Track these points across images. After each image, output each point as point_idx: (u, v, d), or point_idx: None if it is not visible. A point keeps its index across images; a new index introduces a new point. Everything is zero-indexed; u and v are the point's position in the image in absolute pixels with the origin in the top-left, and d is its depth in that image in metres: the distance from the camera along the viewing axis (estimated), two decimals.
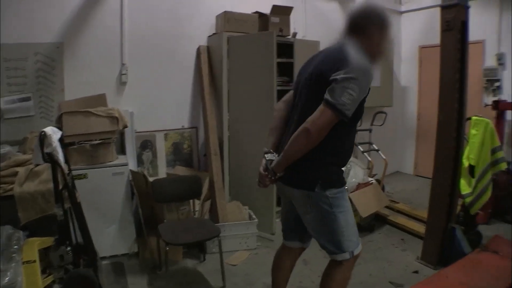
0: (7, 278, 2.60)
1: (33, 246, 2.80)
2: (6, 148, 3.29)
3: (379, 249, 3.66)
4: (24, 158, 3.27)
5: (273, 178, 1.93)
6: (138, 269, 3.36)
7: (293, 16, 4.51)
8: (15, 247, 2.80)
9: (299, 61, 4.13)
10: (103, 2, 3.82)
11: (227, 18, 4.00)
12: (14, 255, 2.75)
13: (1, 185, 3.06)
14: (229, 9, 4.08)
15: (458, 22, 3.00)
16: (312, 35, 4.88)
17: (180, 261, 3.46)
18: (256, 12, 4.28)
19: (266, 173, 1.94)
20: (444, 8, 3.08)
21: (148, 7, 4.02)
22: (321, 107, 1.73)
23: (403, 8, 6.23)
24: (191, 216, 3.50)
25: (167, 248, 2.92)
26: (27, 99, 3.64)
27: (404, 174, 6.55)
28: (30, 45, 3.61)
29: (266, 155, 1.96)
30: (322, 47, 4.35)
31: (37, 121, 3.62)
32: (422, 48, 6.07)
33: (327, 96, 1.72)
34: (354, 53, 1.76)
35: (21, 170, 3.14)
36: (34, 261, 2.72)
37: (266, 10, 4.28)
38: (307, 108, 1.82)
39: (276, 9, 4.28)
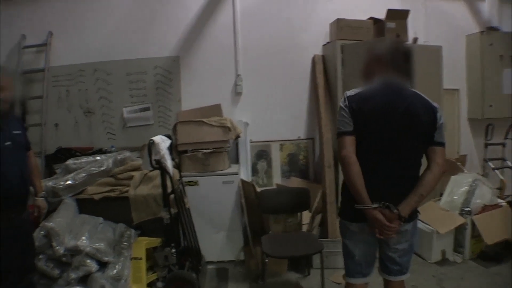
0: (115, 270, 3.08)
1: (142, 245, 3.27)
2: (126, 154, 3.85)
3: (505, 285, 3.36)
4: (139, 164, 3.79)
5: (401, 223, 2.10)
6: (242, 277, 3.61)
7: (413, 20, 4.45)
8: (125, 243, 3.29)
9: (419, 68, 4.03)
10: (216, 17, 4.28)
11: (340, 26, 4.11)
12: (124, 250, 3.23)
13: (118, 187, 3.59)
14: (342, 16, 4.18)
15: None
16: (434, 40, 4.76)
17: (284, 274, 3.62)
18: (371, 18, 4.31)
19: (393, 224, 2.05)
20: None
21: (260, 19, 4.34)
22: (441, 148, 2.10)
23: None
24: (298, 229, 3.64)
25: (267, 260, 3.11)
26: (147, 109, 4.24)
27: None
28: (149, 59, 4.25)
29: (391, 207, 2.06)
30: (445, 52, 4.28)
31: (156, 129, 4.19)
32: None
33: (441, 139, 2.10)
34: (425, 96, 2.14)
35: (136, 174, 3.64)
36: (141, 259, 3.19)
37: (382, 15, 4.29)
38: (414, 152, 2.12)
39: (391, 13, 4.24)
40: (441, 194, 4.14)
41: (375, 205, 2.04)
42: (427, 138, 2.09)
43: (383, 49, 2.17)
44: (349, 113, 2.10)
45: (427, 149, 2.10)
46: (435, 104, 2.11)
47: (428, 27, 4.88)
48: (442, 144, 2.10)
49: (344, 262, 2.37)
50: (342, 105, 2.14)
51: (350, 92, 2.16)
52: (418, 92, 2.13)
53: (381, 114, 2.06)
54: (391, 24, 4.24)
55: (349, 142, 2.09)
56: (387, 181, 2.09)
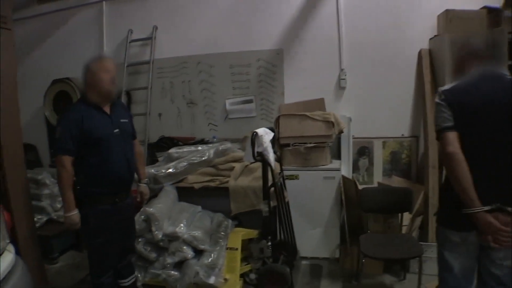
0: (210, 259, 3.17)
1: (238, 236, 3.33)
2: (227, 145, 3.96)
3: None
4: (240, 155, 3.85)
5: None
6: (335, 275, 3.59)
7: None
8: (222, 233, 3.37)
9: None
10: (319, 9, 4.23)
11: (449, 18, 3.88)
12: (220, 240, 3.32)
13: (219, 177, 3.70)
14: (451, 6, 3.93)
15: None
16: None
17: (379, 275, 3.55)
18: (484, 7, 4.04)
19: (509, 227, 1.82)
20: None
21: (365, 11, 4.22)
22: None
23: None
24: (397, 230, 3.54)
25: (363, 260, 3.08)
26: (249, 101, 4.35)
27: None
28: (252, 52, 4.33)
29: (506, 209, 1.84)
30: None
31: (257, 122, 4.29)
32: None
33: None
34: None
35: (237, 165, 3.72)
36: (237, 249, 3.25)
37: (498, 3, 3.99)
38: None
39: (509, 0, 3.96)
40: None
41: (487, 208, 1.82)
42: None
43: (476, 44, 2.05)
44: (447, 107, 1.92)
45: None
46: None
47: None
48: None
49: (440, 275, 2.15)
50: (439, 100, 1.97)
51: (445, 87, 2.00)
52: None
53: (483, 106, 1.87)
54: (508, 13, 3.93)
55: (454, 138, 1.90)
56: (497, 180, 1.87)
